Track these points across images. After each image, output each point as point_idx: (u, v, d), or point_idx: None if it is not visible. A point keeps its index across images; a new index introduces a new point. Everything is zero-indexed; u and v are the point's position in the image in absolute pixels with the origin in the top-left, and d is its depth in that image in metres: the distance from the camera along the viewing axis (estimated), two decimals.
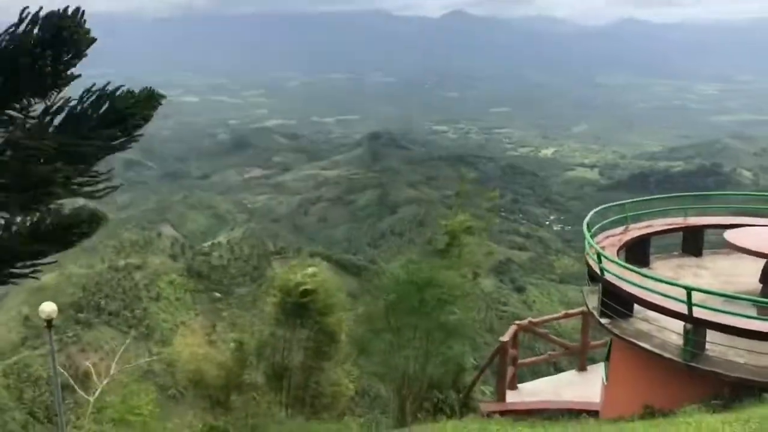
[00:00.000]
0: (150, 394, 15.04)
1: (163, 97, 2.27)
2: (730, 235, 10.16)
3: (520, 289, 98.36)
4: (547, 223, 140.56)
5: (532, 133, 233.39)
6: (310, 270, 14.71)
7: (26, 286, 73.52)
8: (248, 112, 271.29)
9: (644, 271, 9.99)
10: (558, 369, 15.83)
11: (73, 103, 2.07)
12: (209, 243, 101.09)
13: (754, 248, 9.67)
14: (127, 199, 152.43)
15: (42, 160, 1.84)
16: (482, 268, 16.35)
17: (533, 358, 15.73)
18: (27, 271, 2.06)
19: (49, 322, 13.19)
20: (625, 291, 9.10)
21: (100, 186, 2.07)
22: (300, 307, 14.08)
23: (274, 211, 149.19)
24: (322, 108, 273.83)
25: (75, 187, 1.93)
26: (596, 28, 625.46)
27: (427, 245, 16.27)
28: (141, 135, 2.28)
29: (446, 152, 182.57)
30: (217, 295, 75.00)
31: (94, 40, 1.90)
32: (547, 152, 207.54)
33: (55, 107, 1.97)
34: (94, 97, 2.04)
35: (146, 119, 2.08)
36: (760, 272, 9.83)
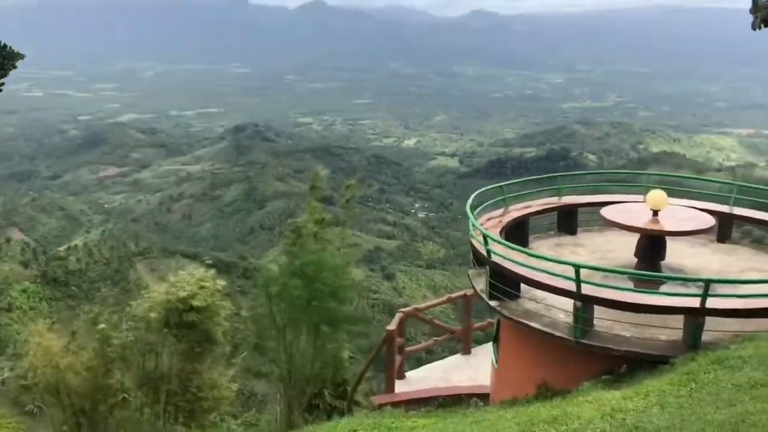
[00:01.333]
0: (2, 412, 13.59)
1: (21, 56, 2.25)
2: (605, 212, 10.53)
3: (389, 277, 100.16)
4: (413, 210, 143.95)
5: (394, 123, 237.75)
6: (196, 281, 13.51)
7: None
8: (100, 106, 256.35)
9: (530, 250, 10.16)
10: (440, 356, 15.94)
11: None
12: (65, 247, 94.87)
13: (628, 223, 10.07)
14: None
15: None
16: (348, 260, 16.09)
17: (419, 345, 15.75)
18: None
19: None
20: (512, 272, 9.16)
21: None
22: (181, 321, 13.00)
23: (133, 210, 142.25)
24: (181, 100, 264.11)
25: None
26: (450, 19, 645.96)
27: (290, 240, 15.78)
28: None
29: (312, 144, 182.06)
30: (74, 302, 70.45)
31: None
32: (410, 142, 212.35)
33: None
34: None
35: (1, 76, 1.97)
36: (634, 247, 10.27)
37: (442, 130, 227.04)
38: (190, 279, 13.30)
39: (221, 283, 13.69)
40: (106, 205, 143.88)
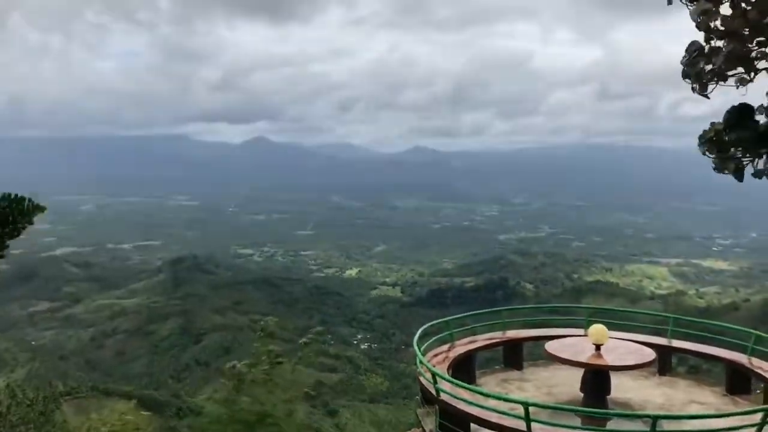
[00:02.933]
0: None
1: (44, 209, 2.12)
2: (550, 347, 10.71)
3: (332, 413, 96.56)
4: (355, 342, 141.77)
5: (336, 254, 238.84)
6: (119, 417, 12.83)
7: None
8: (35, 239, 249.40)
9: (480, 388, 10.16)
10: None
11: None
12: None
13: (572, 359, 10.25)
14: None
15: None
16: (296, 399, 15.58)
17: None
18: None
19: None
20: (462, 411, 9.11)
21: None
22: None
23: (62, 347, 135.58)
24: (119, 234, 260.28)
25: None
26: (389, 155, 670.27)
27: (233, 378, 15.21)
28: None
29: (253, 275, 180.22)
30: None
31: None
32: (352, 272, 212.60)
33: None
34: None
35: (20, 232, 1.83)
36: (579, 381, 10.40)
37: (384, 261, 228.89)
38: (112, 416, 12.68)
39: (147, 422, 13.05)
40: (33, 342, 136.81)
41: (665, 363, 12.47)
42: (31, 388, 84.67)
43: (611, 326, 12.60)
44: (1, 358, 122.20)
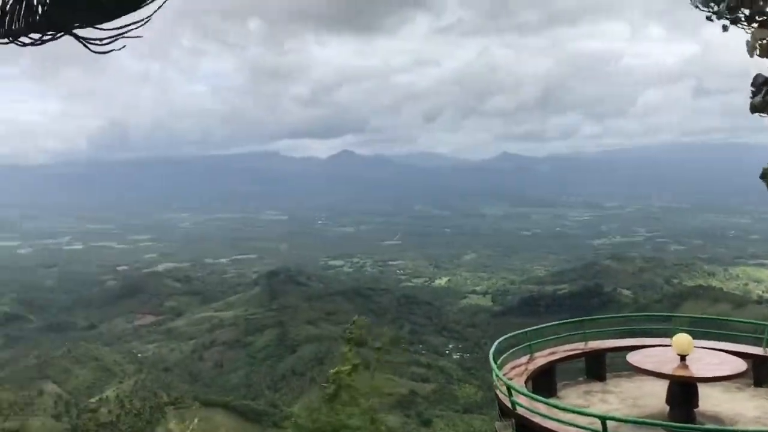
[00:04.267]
0: None
1: None
2: (632, 358, 10.47)
3: (426, 423, 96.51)
4: (447, 352, 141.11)
5: (424, 263, 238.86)
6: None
7: None
8: (138, 256, 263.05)
9: (556, 401, 10.05)
10: None
11: None
12: (96, 398, 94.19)
13: (656, 370, 9.98)
14: (8, 355, 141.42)
15: None
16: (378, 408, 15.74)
17: None
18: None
19: None
20: (539, 425, 9.05)
21: None
22: None
23: (166, 359, 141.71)
24: (216, 249, 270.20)
25: None
26: (475, 162, 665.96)
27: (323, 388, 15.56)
28: None
29: (343, 286, 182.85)
30: None
31: None
32: (441, 281, 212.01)
33: None
34: None
35: None
36: (665, 393, 10.11)
37: (473, 269, 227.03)
38: (204, 426, 13.35)
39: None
40: (139, 355, 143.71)
41: (761, 374, 11.90)
42: (139, 399, 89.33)
43: (703, 335, 12.19)
44: (110, 370, 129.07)
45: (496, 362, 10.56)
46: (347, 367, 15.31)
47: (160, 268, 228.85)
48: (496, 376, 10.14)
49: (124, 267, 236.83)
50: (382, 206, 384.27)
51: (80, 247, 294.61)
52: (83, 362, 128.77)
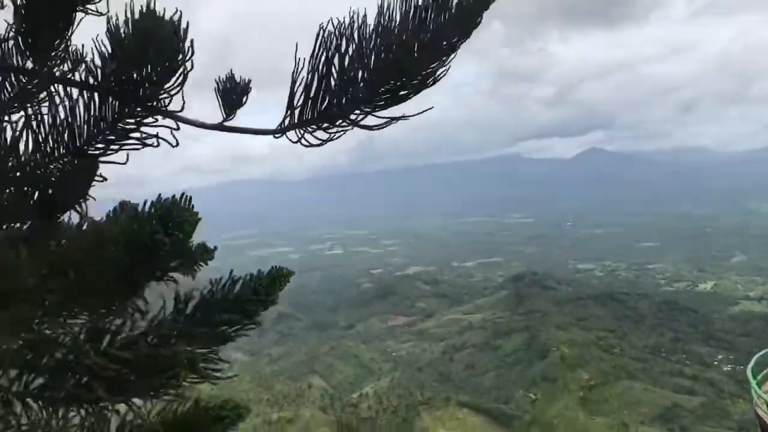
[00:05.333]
0: None
1: (291, 274, 1.85)
2: None
3: None
4: (715, 363, 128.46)
5: (686, 266, 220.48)
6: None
7: None
8: (389, 260, 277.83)
9: None
10: None
11: (200, 290, 1.88)
12: (357, 394, 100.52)
13: None
14: (281, 351, 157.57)
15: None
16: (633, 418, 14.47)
17: None
18: None
19: None
20: None
21: (220, 368, 1.83)
22: None
23: (418, 359, 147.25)
24: (462, 252, 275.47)
25: (197, 369, 1.77)
26: (740, 154, 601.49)
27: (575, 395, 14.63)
28: (260, 322, 1.96)
29: (594, 291, 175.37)
30: None
31: (199, 220, 1.66)
32: (706, 286, 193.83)
33: (186, 297, 1.80)
34: (222, 285, 1.86)
35: (272, 302, 1.90)
36: None
37: (744, 272, 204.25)
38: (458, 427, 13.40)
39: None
40: (394, 354, 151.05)
41: None
42: (395, 396, 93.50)
43: None
44: (368, 368, 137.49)
45: (755, 377, 9.01)
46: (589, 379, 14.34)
47: (410, 271, 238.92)
48: (755, 392, 8.61)
49: (378, 270, 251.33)
50: (634, 206, 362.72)
51: (341, 252, 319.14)
52: (345, 359, 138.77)
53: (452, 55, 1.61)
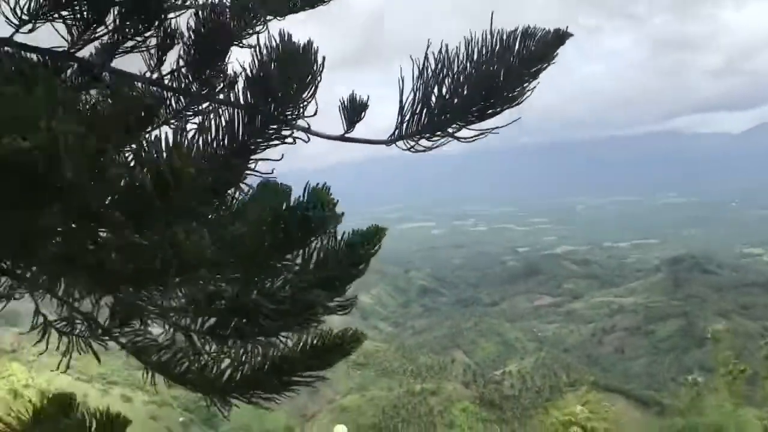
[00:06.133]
0: None
1: (385, 230, 2.34)
2: None
3: None
4: None
5: None
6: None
7: (333, 407, 79.00)
8: (537, 238, 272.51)
9: None
10: None
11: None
12: (500, 371, 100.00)
13: None
14: (424, 324, 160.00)
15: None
16: None
17: None
18: (303, 380, 2.32)
19: None
20: None
21: (348, 308, 2.32)
22: None
23: (565, 340, 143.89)
24: (615, 232, 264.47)
25: (329, 308, 2.28)
26: None
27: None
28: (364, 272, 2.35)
29: (763, 278, 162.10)
30: (507, 426, 72.82)
31: (335, 201, 2.09)
32: None
33: (319, 251, 2.22)
34: (342, 238, 2.29)
35: (374, 254, 2.29)
36: None
37: None
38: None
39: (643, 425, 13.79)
40: (539, 334, 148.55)
41: None
42: (539, 376, 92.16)
43: None
44: (512, 346, 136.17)
45: None
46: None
47: (559, 250, 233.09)
48: None
49: (525, 248, 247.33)
50: None
51: (485, 229, 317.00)
52: (488, 336, 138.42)
53: (536, 81, 1.92)
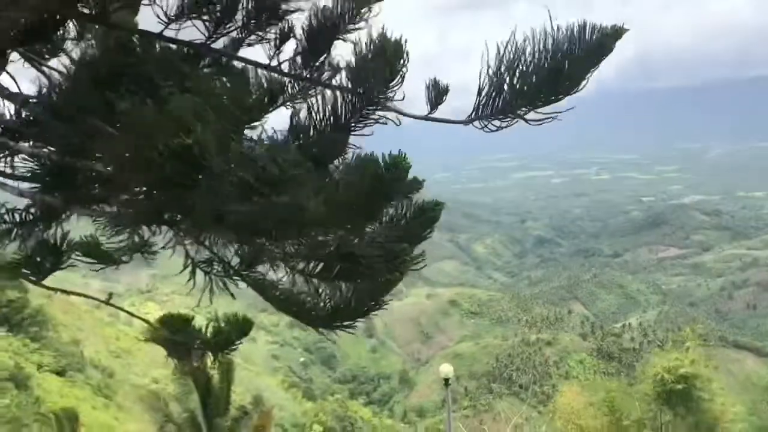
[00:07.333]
0: None
1: (442, 204, 2.67)
2: None
3: None
4: None
5: None
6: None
7: (446, 353, 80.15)
8: (662, 188, 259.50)
9: None
10: None
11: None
12: (620, 324, 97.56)
13: None
14: (540, 274, 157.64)
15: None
16: None
17: None
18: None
19: (446, 381, 16.19)
20: None
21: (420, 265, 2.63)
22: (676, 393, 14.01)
23: (691, 294, 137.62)
24: (749, 181, 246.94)
25: (410, 259, 2.62)
26: None
27: None
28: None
29: None
30: (625, 379, 71.18)
31: (410, 165, 2.30)
32: None
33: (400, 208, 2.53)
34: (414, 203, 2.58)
35: (437, 219, 2.64)
36: None
37: None
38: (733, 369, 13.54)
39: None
40: (663, 287, 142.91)
41: None
42: (662, 330, 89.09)
43: None
44: (633, 298, 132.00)
45: None
46: None
47: (687, 200, 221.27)
48: None
49: (650, 198, 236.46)
50: None
51: (607, 177, 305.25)
52: (608, 288, 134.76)
53: (594, 69, 2.18)
